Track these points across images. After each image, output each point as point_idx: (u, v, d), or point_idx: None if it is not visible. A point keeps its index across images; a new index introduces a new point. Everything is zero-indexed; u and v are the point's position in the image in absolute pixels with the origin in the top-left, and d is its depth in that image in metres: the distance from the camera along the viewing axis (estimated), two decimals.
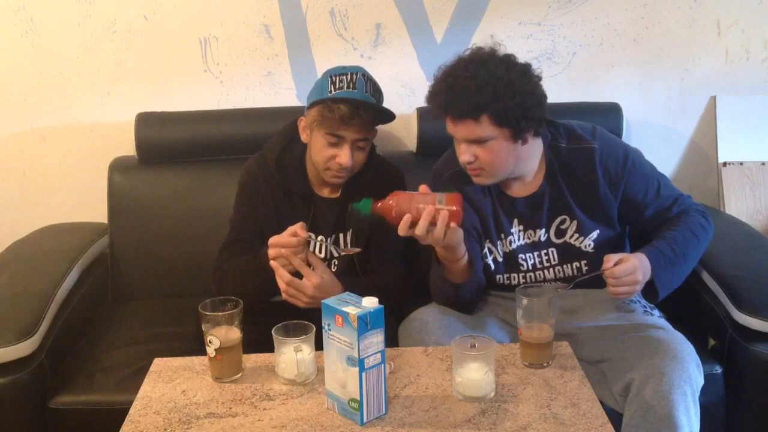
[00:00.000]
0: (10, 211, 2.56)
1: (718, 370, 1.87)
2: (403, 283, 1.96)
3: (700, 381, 1.61)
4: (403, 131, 2.51)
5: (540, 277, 1.87)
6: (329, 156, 1.84)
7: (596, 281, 1.86)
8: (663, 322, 1.78)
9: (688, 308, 2.04)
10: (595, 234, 1.85)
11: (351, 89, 1.81)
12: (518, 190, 1.86)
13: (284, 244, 1.71)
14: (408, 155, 2.41)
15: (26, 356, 1.81)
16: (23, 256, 2.21)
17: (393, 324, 1.83)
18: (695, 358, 1.63)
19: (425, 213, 1.57)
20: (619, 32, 2.49)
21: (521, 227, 1.86)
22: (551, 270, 1.86)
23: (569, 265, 1.86)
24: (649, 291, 1.78)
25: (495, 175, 1.78)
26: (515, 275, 1.88)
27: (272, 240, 1.73)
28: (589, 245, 1.85)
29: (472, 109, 1.67)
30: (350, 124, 1.80)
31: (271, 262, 1.72)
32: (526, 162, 1.81)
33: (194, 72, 2.47)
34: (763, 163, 2.50)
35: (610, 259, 1.68)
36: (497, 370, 1.50)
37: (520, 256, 1.86)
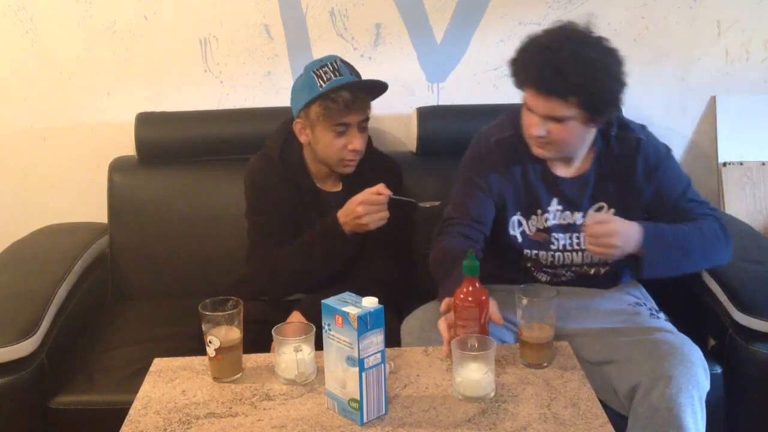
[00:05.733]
0: (10, 211, 2.56)
1: (718, 370, 1.87)
2: (397, 276, 1.99)
3: (706, 385, 1.61)
4: (403, 131, 2.51)
5: (568, 259, 1.86)
6: (340, 146, 1.90)
7: (602, 281, 1.86)
8: (669, 326, 1.77)
9: (688, 308, 2.04)
10: None
11: (339, 76, 1.87)
12: (564, 170, 1.86)
13: (374, 201, 1.80)
14: (408, 155, 2.41)
15: (26, 356, 1.81)
16: (23, 256, 2.21)
17: (393, 320, 1.84)
18: (703, 362, 1.63)
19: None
20: (619, 32, 2.49)
21: (560, 207, 1.84)
22: (579, 254, 1.85)
23: None
24: (639, 266, 1.76)
25: (560, 152, 1.79)
26: (543, 253, 1.87)
27: (362, 198, 1.81)
28: None
29: (566, 89, 1.65)
30: (353, 107, 1.86)
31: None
32: (584, 144, 1.81)
33: (194, 72, 2.47)
34: (763, 163, 2.50)
35: (593, 217, 1.69)
36: (497, 370, 1.50)
37: (553, 235, 1.85)
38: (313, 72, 1.88)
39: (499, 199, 1.85)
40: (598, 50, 1.68)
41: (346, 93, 1.84)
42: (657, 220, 1.83)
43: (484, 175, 1.87)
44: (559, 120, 1.69)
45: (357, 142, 1.90)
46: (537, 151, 1.78)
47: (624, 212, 1.82)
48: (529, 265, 1.89)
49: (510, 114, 1.88)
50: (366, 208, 1.80)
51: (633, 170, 1.82)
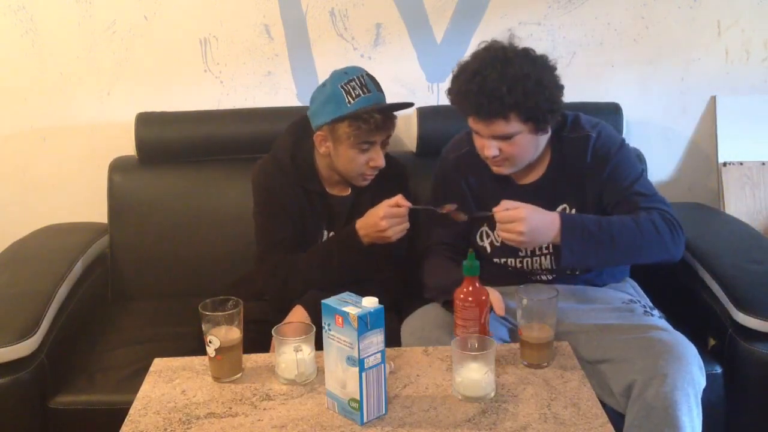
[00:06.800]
0: (10, 211, 2.56)
1: (718, 370, 1.87)
2: (403, 278, 1.99)
3: (702, 382, 1.61)
4: (403, 131, 2.51)
5: (536, 263, 1.87)
6: (363, 162, 1.90)
7: (589, 279, 1.86)
8: (663, 323, 1.77)
9: (688, 308, 2.04)
10: None
11: (367, 93, 1.85)
12: (523, 177, 1.88)
13: (395, 214, 1.81)
14: (408, 155, 2.42)
15: (26, 356, 1.81)
16: (23, 256, 2.21)
17: (394, 321, 1.84)
18: (698, 359, 1.63)
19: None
20: (619, 32, 2.49)
21: None
22: (547, 257, 1.86)
23: None
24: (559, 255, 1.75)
25: (518, 165, 1.81)
26: (512, 260, 1.89)
27: (384, 213, 1.80)
28: None
29: (503, 110, 1.68)
30: (382, 127, 1.86)
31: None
32: (538, 151, 1.83)
33: (194, 72, 2.47)
34: (763, 163, 2.50)
35: (503, 204, 1.70)
36: (497, 370, 1.50)
37: None
38: (341, 87, 1.85)
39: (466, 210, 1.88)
40: (525, 64, 1.71)
41: (379, 115, 1.84)
42: (611, 213, 1.83)
43: (449, 192, 1.91)
44: (507, 137, 1.73)
45: (379, 159, 1.90)
46: (496, 170, 1.82)
47: (583, 210, 1.84)
48: (509, 269, 1.90)
49: (466, 131, 1.90)
50: (389, 221, 1.80)
51: (584, 167, 1.84)
